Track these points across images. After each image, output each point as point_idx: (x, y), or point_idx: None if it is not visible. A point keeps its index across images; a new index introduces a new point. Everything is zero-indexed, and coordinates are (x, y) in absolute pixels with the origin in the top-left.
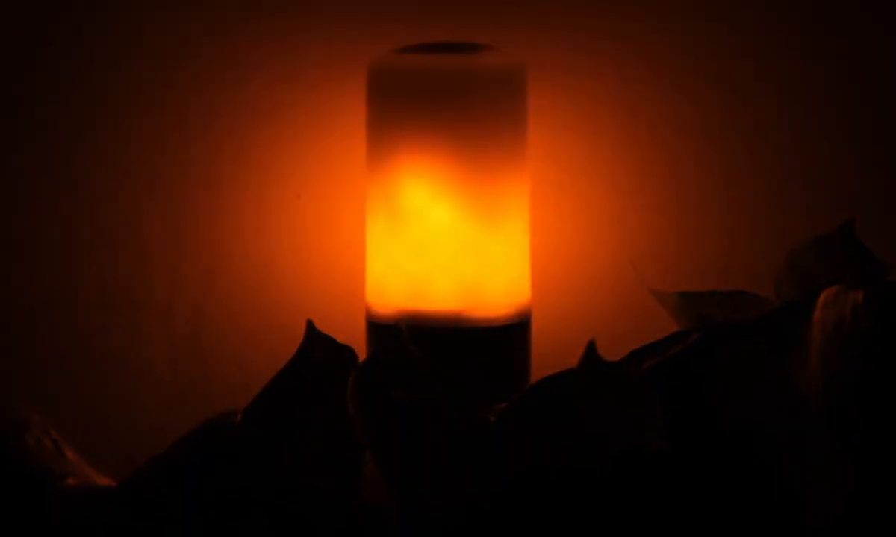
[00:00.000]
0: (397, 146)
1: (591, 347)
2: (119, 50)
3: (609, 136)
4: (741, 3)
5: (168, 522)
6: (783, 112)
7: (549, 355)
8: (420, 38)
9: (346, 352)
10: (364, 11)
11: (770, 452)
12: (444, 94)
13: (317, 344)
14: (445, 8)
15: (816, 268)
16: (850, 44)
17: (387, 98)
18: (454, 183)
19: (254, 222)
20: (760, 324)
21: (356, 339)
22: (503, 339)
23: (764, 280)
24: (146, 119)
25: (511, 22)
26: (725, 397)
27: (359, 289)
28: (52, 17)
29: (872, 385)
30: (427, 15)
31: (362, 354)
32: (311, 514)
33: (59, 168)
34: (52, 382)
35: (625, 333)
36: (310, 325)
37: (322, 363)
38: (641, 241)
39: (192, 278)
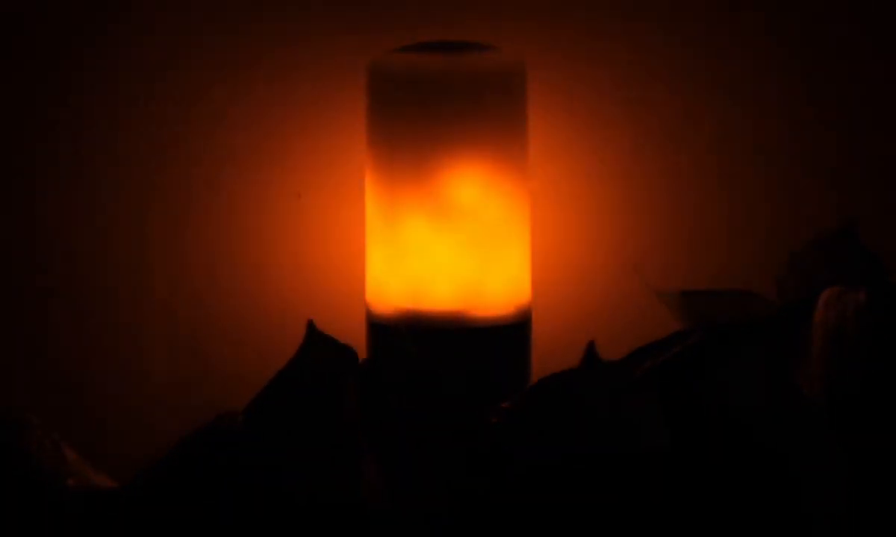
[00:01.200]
0: (397, 146)
1: (591, 348)
2: (119, 50)
3: (608, 136)
4: (741, 3)
5: (169, 524)
6: (783, 112)
7: (549, 355)
8: (420, 37)
9: (346, 352)
10: (364, 11)
11: (770, 452)
12: (443, 93)
13: (318, 344)
14: (446, 8)
15: (818, 268)
16: (849, 44)
17: (387, 97)
18: (454, 182)
19: (254, 222)
20: (762, 324)
21: (356, 339)
22: (504, 339)
23: (764, 279)
24: (146, 118)
25: (511, 22)
26: (726, 397)
27: (359, 289)
28: (51, 16)
29: (873, 385)
30: (427, 14)
31: (363, 354)
32: (312, 514)
33: (59, 168)
34: (52, 382)
35: (625, 332)
36: (310, 325)
37: (323, 363)
38: (641, 240)
39: (192, 278)
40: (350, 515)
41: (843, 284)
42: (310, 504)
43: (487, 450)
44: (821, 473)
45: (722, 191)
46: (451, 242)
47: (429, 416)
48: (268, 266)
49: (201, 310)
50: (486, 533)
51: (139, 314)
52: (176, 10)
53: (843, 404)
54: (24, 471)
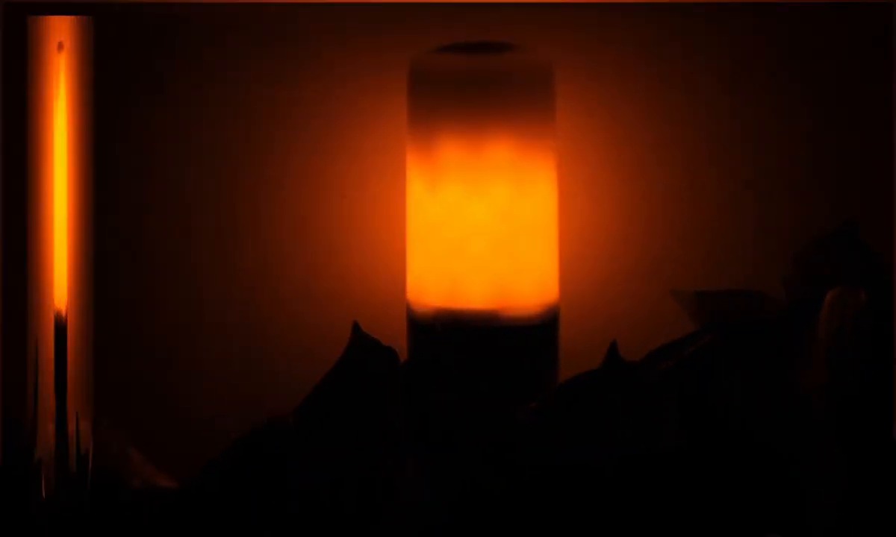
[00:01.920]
0: (435, 145)
1: (613, 349)
2: (164, 51)
3: (633, 135)
4: (765, 9)
5: (225, 523)
6: (804, 112)
7: (572, 353)
8: (455, 38)
9: (388, 353)
10: (405, 11)
11: (772, 453)
12: (478, 92)
13: (361, 345)
14: (479, 9)
15: (821, 267)
16: (856, 46)
17: (427, 96)
18: (487, 180)
19: (300, 222)
20: (767, 324)
21: (400, 338)
22: (534, 338)
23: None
24: (198, 124)
25: (539, 24)
26: (730, 398)
27: (402, 288)
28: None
29: (872, 386)
30: (464, 15)
31: (406, 353)
32: (356, 513)
33: (157, 170)
34: (114, 381)
35: (648, 331)
36: (355, 327)
37: (366, 364)
38: (663, 240)
39: (245, 279)
40: (391, 514)
41: (844, 283)
42: (354, 503)
43: (517, 450)
44: (822, 474)
45: (745, 190)
46: (485, 240)
47: (464, 416)
48: (313, 265)
49: (251, 310)
50: (516, 532)
51: (196, 315)
52: (220, 10)
53: (842, 404)
54: (94, 472)
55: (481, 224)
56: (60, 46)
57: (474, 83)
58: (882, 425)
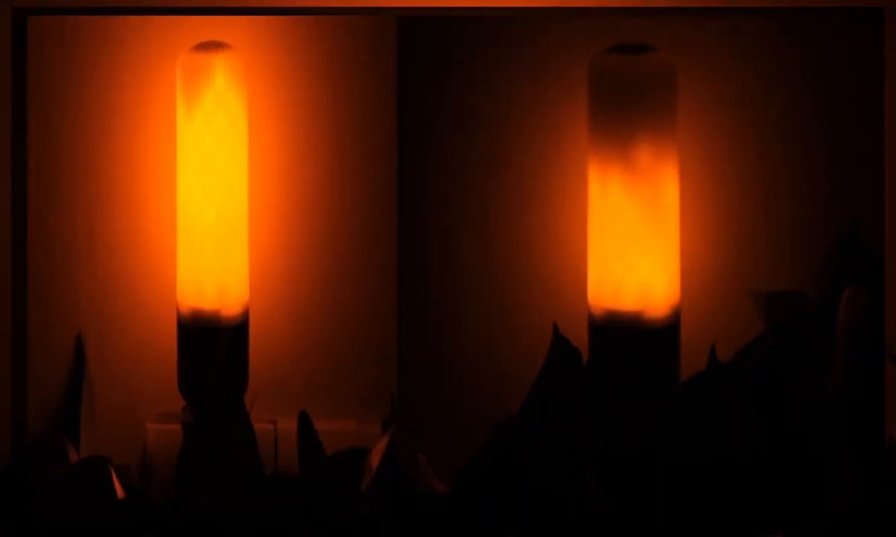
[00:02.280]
0: (601, 145)
1: (713, 353)
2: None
3: (747, 138)
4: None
5: (481, 518)
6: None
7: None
8: (602, 41)
9: (575, 353)
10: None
11: (805, 448)
12: (654, 90)
13: (559, 346)
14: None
15: (836, 269)
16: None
17: (603, 97)
18: (640, 181)
19: (498, 224)
20: (797, 325)
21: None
22: (665, 339)
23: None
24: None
25: (661, 24)
26: (784, 397)
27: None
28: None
29: (875, 382)
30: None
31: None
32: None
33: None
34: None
35: (744, 331)
36: (555, 329)
37: (561, 365)
38: (761, 241)
39: (441, 281)
40: (581, 515)
41: (856, 285)
42: (560, 500)
43: (661, 452)
44: (836, 466)
45: (862, 196)
46: (634, 243)
47: (621, 418)
48: (500, 265)
49: (457, 310)
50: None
51: (434, 323)
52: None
53: (853, 400)
54: (393, 477)
55: (631, 225)
56: (216, 46)
57: (644, 81)
58: (876, 424)
